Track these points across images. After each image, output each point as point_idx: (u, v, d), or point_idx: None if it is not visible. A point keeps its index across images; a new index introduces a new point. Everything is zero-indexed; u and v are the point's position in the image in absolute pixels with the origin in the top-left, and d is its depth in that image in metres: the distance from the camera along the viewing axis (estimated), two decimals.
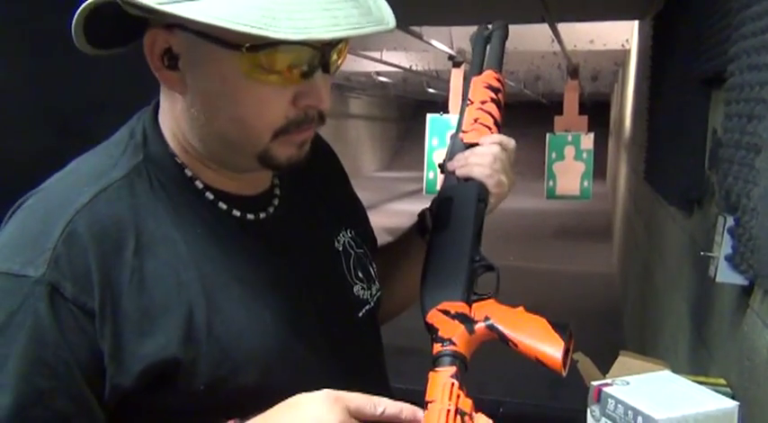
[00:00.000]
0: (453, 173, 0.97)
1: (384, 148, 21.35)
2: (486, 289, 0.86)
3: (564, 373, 0.78)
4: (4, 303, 0.70)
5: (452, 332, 0.80)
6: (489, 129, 1.00)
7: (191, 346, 0.73)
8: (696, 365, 1.88)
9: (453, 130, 1.03)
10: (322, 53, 0.72)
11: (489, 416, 0.76)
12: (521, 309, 0.83)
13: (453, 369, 0.77)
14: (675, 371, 1.45)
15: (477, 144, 0.98)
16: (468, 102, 1.04)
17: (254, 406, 0.74)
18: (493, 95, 1.03)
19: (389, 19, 0.73)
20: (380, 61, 8.11)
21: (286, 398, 0.73)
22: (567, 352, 0.78)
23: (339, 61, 0.77)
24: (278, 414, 0.71)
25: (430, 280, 0.87)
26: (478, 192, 0.94)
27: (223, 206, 0.80)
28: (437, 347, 0.79)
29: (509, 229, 10.10)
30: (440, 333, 0.81)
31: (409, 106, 20.81)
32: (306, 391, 0.74)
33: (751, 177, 1.15)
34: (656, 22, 3.36)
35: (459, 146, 1.00)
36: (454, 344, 0.79)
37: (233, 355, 0.75)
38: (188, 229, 0.77)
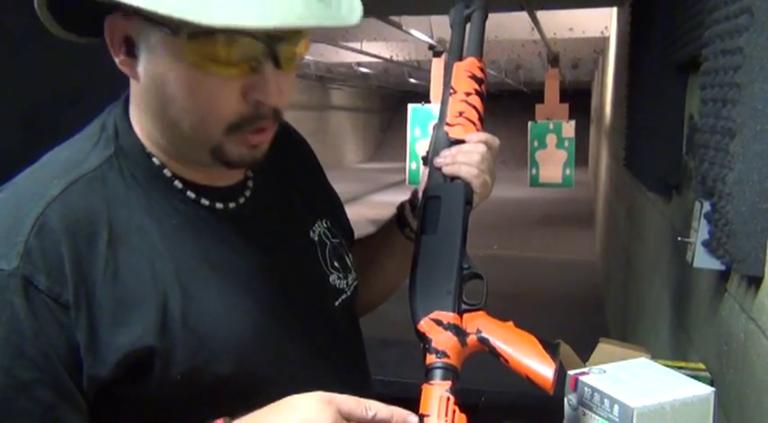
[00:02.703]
0: (439, 169, 0.96)
1: (367, 140, 21.33)
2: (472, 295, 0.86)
3: (552, 393, 0.79)
4: None
5: (445, 344, 0.81)
6: (474, 124, 0.99)
7: (166, 336, 0.73)
8: (676, 350, 1.89)
9: (436, 121, 1.01)
10: (268, 46, 0.70)
11: (470, 406, 0.77)
12: (510, 323, 0.84)
13: (448, 383, 0.78)
14: (656, 356, 1.46)
15: (462, 141, 0.97)
16: (452, 90, 1.01)
17: (231, 395, 0.75)
18: (477, 87, 1.01)
19: (348, 13, 0.72)
20: (361, 52, 8.08)
21: (263, 386, 0.74)
22: (556, 372, 0.79)
23: (294, 56, 0.75)
24: (269, 414, 0.71)
25: (420, 287, 0.87)
26: (466, 194, 0.94)
27: (192, 195, 0.80)
28: (430, 358, 0.80)
29: (493, 218, 10.13)
30: (433, 344, 0.81)
31: (391, 97, 20.78)
32: (283, 380, 0.76)
33: (726, 162, 1.15)
34: (633, 9, 3.37)
35: (444, 140, 0.98)
36: (447, 356, 0.80)
37: (209, 345, 0.75)
38: (162, 220, 0.77)
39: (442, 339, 0.81)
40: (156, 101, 0.75)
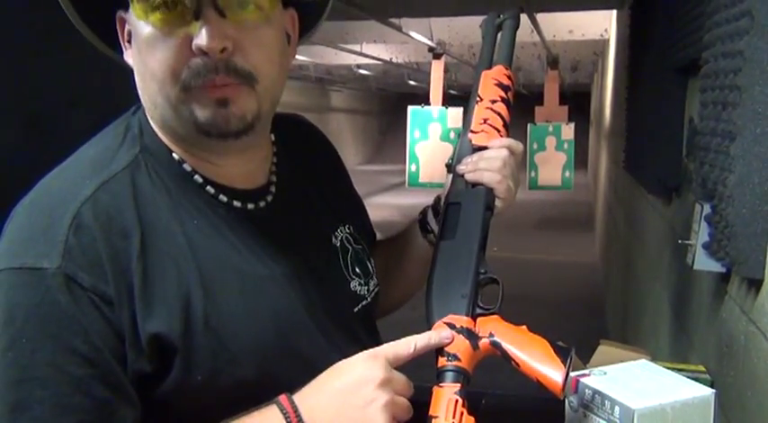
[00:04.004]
0: (462, 176, 0.97)
1: (366, 142, 21.32)
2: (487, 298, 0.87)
3: (561, 397, 0.80)
4: (25, 298, 0.69)
5: (457, 347, 0.81)
6: (498, 131, 1.00)
7: (188, 337, 0.74)
8: (677, 353, 1.89)
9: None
10: None
11: (471, 408, 0.77)
12: (524, 328, 0.84)
13: (458, 386, 0.79)
14: (656, 358, 1.46)
15: (485, 147, 0.98)
16: (478, 98, 1.02)
17: (253, 399, 0.76)
18: (503, 94, 1.02)
19: None
20: (360, 54, 8.08)
21: (284, 391, 0.75)
22: (566, 376, 0.79)
23: (244, 4, 0.74)
24: (326, 381, 0.75)
25: (436, 290, 0.87)
26: (487, 200, 0.94)
27: (211, 190, 0.81)
28: (442, 361, 0.81)
29: (492, 220, 10.12)
30: (445, 347, 0.82)
31: (391, 99, 20.78)
32: (303, 384, 0.76)
33: (726, 165, 1.15)
34: (633, 11, 3.37)
35: (468, 147, 0.99)
36: (459, 359, 0.81)
37: (230, 347, 0.76)
38: (185, 220, 0.78)
39: (454, 342, 0.82)
40: (140, 81, 0.77)
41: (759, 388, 1.08)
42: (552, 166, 6.19)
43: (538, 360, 0.80)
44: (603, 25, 6.62)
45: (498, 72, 1.03)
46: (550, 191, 6.67)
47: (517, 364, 0.81)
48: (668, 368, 0.96)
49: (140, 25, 0.74)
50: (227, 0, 0.73)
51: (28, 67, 1.32)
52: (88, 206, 0.73)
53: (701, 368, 1.37)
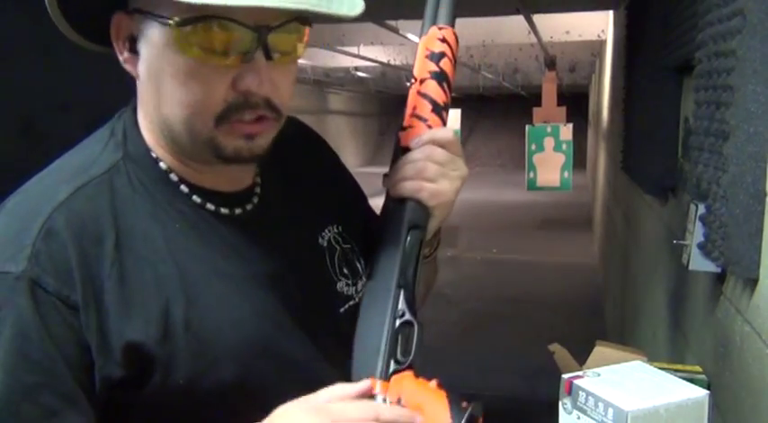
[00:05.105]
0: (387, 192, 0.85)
1: (365, 144, 21.33)
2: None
3: None
4: None
5: None
6: (425, 120, 0.84)
7: (168, 342, 0.73)
8: (674, 353, 1.89)
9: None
10: (257, 32, 0.70)
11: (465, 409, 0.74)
12: (433, 384, 0.74)
13: None
14: (653, 358, 1.46)
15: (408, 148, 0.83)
16: (413, 80, 0.84)
17: (236, 401, 0.75)
18: (433, 67, 0.83)
19: (348, 9, 0.72)
20: (358, 56, 8.09)
21: (267, 393, 0.73)
22: None
23: (289, 48, 0.74)
24: None
25: (358, 343, 0.79)
26: (409, 217, 0.82)
27: (197, 199, 0.80)
28: None
29: (491, 222, 10.13)
30: None
31: (389, 101, 20.80)
32: (287, 386, 0.74)
33: (720, 164, 1.15)
34: (629, 11, 3.37)
35: (398, 151, 0.85)
36: None
37: (211, 350, 0.76)
38: (167, 224, 0.77)
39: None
40: (154, 96, 0.76)
41: (754, 388, 1.07)
42: (551, 167, 6.20)
43: None
44: (600, 26, 6.63)
45: (431, 37, 0.84)
46: (549, 191, 6.68)
47: None
48: (665, 369, 0.96)
49: (170, 51, 0.71)
50: (278, 46, 0.72)
51: (22, 72, 1.32)
52: (61, 211, 0.72)
53: (698, 369, 1.36)
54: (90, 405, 0.72)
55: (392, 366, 0.75)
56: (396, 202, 0.84)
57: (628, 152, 3.15)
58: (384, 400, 0.74)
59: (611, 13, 5.90)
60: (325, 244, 0.92)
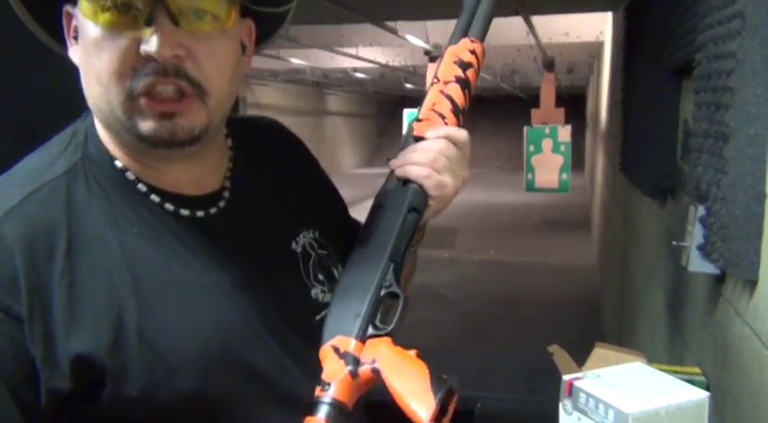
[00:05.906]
0: (393, 172, 0.87)
1: (364, 145, 21.34)
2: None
3: None
4: None
5: (334, 375, 0.74)
6: (444, 117, 0.88)
7: (119, 352, 0.71)
8: (673, 355, 1.89)
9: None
10: None
11: (466, 412, 0.74)
12: (412, 353, 0.75)
13: (323, 421, 0.71)
14: (652, 360, 1.46)
15: (423, 138, 0.86)
16: (435, 80, 0.89)
17: (199, 412, 0.73)
18: (460, 73, 0.89)
19: None
20: (356, 57, 8.09)
21: (232, 403, 0.72)
22: (438, 414, 0.70)
23: (199, 12, 0.71)
24: None
25: (334, 307, 0.80)
26: (412, 199, 0.84)
27: (156, 199, 0.77)
28: (317, 391, 0.74)
29: (489, 223, 10.13)
30: (323, 374, 0.75)
31: (388, 102, 20.82)
32: (254, 396, 0.73)
33: (720, 166, 1.15)
34: (628, 13, 3.37)
35: (410, 139, 0.88)
36: (334, 389, 0.73)
37: (167, 360, 0.73)
38: (124, 229, 0.75)
39: (332, 369, 0.74)
40: (86, 82, 0.73)
41: (753, 389, 1.07)
42: (549, 169, 6.19)
43: (410, 393, 0.71)
44: (599, 27, 6.63)
45: (461, 47, 0.89)
46: (548, 193, 6.68)
47: (392, 394, 0.73)
48: (664, 370, 0.96)
49: (88, 24, 0.70)
50: (183, 8, 0.69)
51: (19, 72, 1.31)
52: (11, 217, 0.70)
53: (697, 370, 1.36)
54: (34, 421, 0.69)
55: (370, 330, 0.77)
56: (399, 183, 0.86)
57: (626, 154, 3.16)
58: (357, 361, 0.75)
59: (609, 14, 5.91)
60: (300, 249, 0.88)
